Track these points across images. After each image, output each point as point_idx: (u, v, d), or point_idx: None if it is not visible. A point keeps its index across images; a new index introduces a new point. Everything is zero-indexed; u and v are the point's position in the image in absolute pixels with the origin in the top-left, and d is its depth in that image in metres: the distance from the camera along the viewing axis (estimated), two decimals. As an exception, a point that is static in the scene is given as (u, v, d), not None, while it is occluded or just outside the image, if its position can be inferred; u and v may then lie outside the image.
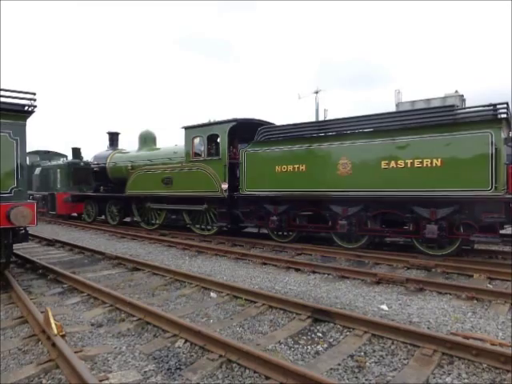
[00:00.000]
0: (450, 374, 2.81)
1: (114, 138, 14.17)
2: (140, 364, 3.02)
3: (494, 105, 6.24)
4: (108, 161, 13.09)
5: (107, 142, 14.15)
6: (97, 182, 13.97)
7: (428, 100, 7.55)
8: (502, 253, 7.16)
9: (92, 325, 3.90)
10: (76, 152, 17.41)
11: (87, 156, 17.16)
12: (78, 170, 16.13)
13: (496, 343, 3.19)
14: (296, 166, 8.05)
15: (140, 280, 5.78)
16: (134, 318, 3.97)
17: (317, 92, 23.85)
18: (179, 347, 3.32)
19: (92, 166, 13.95)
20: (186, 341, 3.39)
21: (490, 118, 6.21)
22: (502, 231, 6.89)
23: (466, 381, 2.71)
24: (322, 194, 7.71)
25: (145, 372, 2.89)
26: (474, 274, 5.65)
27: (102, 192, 13.53)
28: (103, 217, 13.57)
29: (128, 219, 12.79)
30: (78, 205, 14.61)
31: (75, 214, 15.80)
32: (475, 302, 4.50)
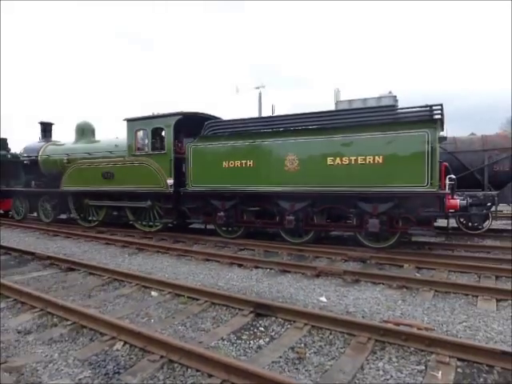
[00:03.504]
0: (381, 359, 3.00)
1: (47, 128, 13.14)
2: (74, 371, 2.86)
3: (430, 106, 6.63)
4: (40, 153, 12.15)
5: (39, 134, 13.12)
6: (27, 176, 12.94)
7: (364, 99, 7.96)
8: (429, 244, 7.79)
9: (19, 332, 3.61)
10: (1, 143, 15.90)
11: (15, 148, 15.76)
12: (5, 163, 14.78)
13: (422, 328, 3.45)
14: (244, 161, 8.02)
15: (75, 281, 5.46)
16: (68, 323, 3.74)
17: (259, 87, 23.90)
18: (118, 350, 3.19)
19: (22, 158, 12.88)
20: (126, 343, 3.27)
21: (426, 118, 6.61)
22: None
23: (396, 364, 2.91)
24: (270, 189, 7.76)
25: (79, 379, 2.74)
26: (404, 264, 6.08)
27: (34, 187, 12.56)
28: (35, 214, 12.64)
29: (64, 216, 12.03)
30: (5, 201, 13.45)
31: (1, 211, 14.52)
32: (405, 290, 4.84)
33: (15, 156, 14.38)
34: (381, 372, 2.80)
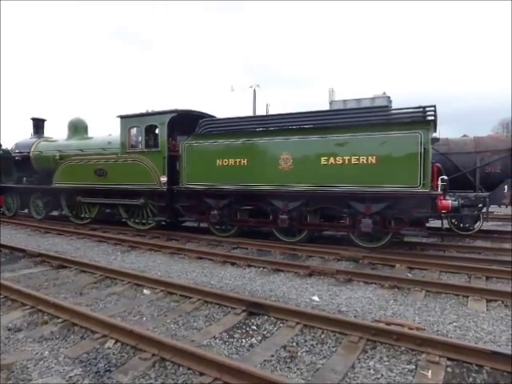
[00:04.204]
0: (373, 358, 3.02)
1: (39, 124, 13.01)
2: (65, 369, 2.84)
3: (424, 107, 6.65)
4: (32, 149, 12.03)
5: (31, 130, 12.95)
6: (19, 172, 12.80)
7: (359, 100, 8.02)
8: (421, 244, 7.84)
9: (9, 330, 3.58)
10: (-8, 139, 15.70)
11: (6, 144, 15.55)
12: None
13: (413, 327, 3.47)
14: (238, 160, 7.99)
15: (66, 278, 5.42)
16: (59, 320, 3.71)
17: (252, 86, 23.94)
18: (109, 348, 3.18)
19: (13, 154, 12.73)
20: (117, 341, 3.25)
21: (419, 119, 6.64)
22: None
23: (387, 363, 2.93)
24: (264, 188, 7.74)
25: (70, 377, 2.72)
26: (396, 264, 6.11)
27: (25, 183, 12.43)
28: (26, 210, 12.50)
29: (56, 213, 11.91)
30: (-4, 197, 13.27)
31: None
32: (396, 290, 4.86)
33: (6, 152, 14.21)
34: (372, 371, 2.82)
